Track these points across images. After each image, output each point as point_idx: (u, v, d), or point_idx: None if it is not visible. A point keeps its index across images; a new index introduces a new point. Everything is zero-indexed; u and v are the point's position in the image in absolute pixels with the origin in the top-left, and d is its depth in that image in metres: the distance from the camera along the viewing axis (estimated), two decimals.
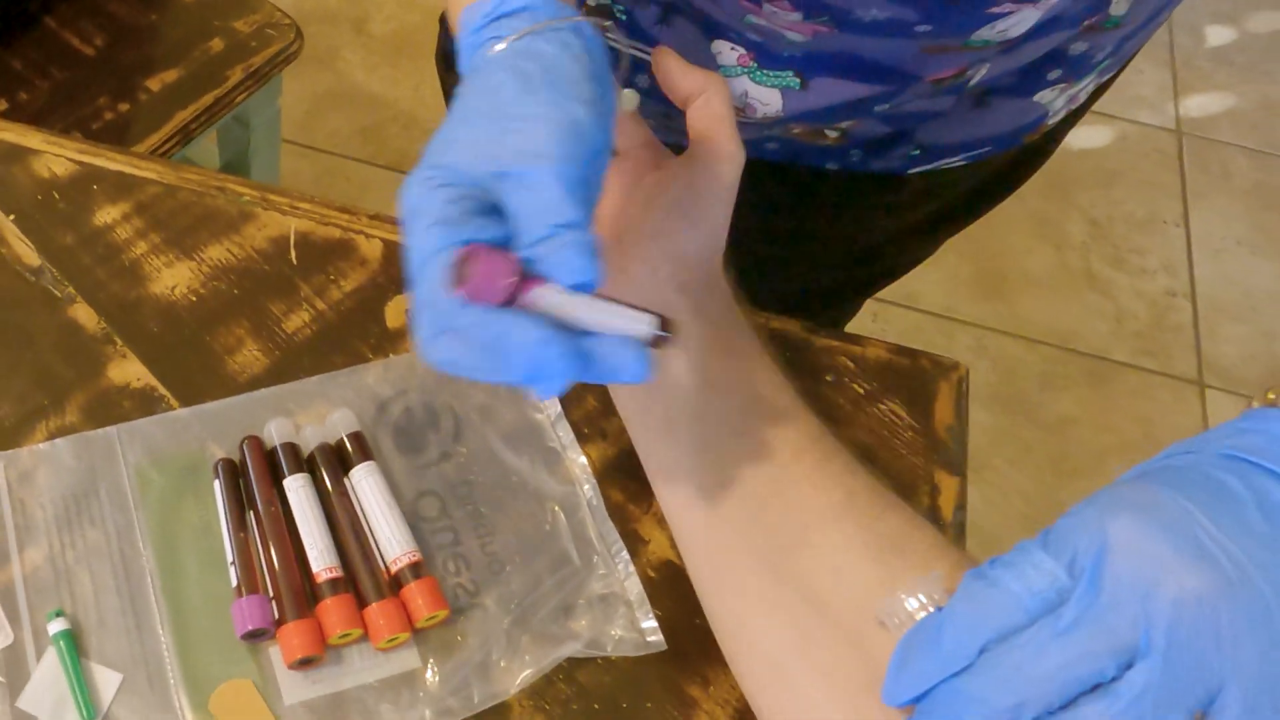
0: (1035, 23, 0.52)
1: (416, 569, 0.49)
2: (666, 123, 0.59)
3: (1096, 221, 1.85)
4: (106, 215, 0.59)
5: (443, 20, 0.77)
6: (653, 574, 0.51)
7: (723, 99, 0.49)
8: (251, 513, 0.49)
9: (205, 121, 1.04)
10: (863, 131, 0.63)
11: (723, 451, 0.44)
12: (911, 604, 0.37)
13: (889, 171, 0.68)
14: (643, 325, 0.37)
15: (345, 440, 0.52)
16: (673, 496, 0.46)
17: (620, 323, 0.37)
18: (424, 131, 1.76)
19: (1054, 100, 0.63)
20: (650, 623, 0.49)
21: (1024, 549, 0.34)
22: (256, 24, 1.09)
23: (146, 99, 1.04)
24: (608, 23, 0.44)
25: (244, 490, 0.50)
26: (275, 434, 0.51)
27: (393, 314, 0.58)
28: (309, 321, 0.57)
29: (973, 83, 0.59)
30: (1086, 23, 0.56)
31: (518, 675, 0.48)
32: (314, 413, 0.54)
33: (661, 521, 0.51)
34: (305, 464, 0.51)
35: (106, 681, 0.46)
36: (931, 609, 0.37)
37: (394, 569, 0.49)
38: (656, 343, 0.37)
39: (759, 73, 0.58)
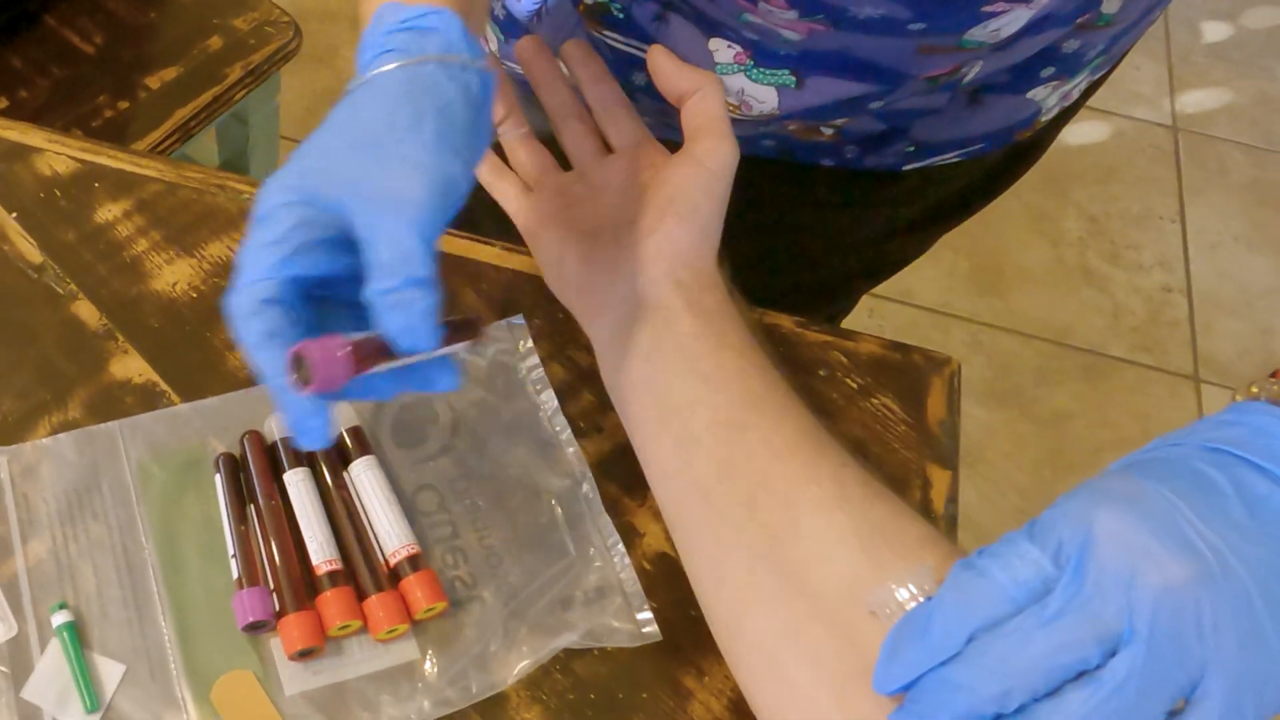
0: (1027, 21, 0.52)
1: (415, 561, 0.49)
2: (664, 119, 0.59)
3: (1093, 217, 1.86)
4: (108, 213, 0.60)
5: None
6: (648, 566, 0.52)
7: (717, 97, 0.50)
8: (252, 506, 0.50)
9: (204, 119, 1.04)
10: (858, 128, 0.64)
11: (717, 446, 0.44)
12: (902, 594, 0.38)
13: (884, 168, 0.68)
14: (459, 348, 0.41)
15: (344, 434, 0.52)
16: (667, 490, 0.46)
17: (440, 351, 0.40)
18: None
19: (1047, 97, 0.64)
20: (646, 614, 0.50)
21: (1011, 540, 0.34)
22: (255, 22, 1.09)
23: (146, 96, 1.04)
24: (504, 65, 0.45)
25: (245, 484, 0.51)
26: (275, 429, 0.52)
27: None
28: None
29: (966, 80, 0.59)
30: (1078, 21, 0.56)
31: (515, 666, 0.48)
32: None
33: (657, 514, 0.52)
34: (305, 458, 0.52)
35: (109, 672, 0.46)
36: (921, 599, 0.37)
37: (393, 562, 0.49)
38: (471, 345, 0.41)
39: (755, 71, 0.58)
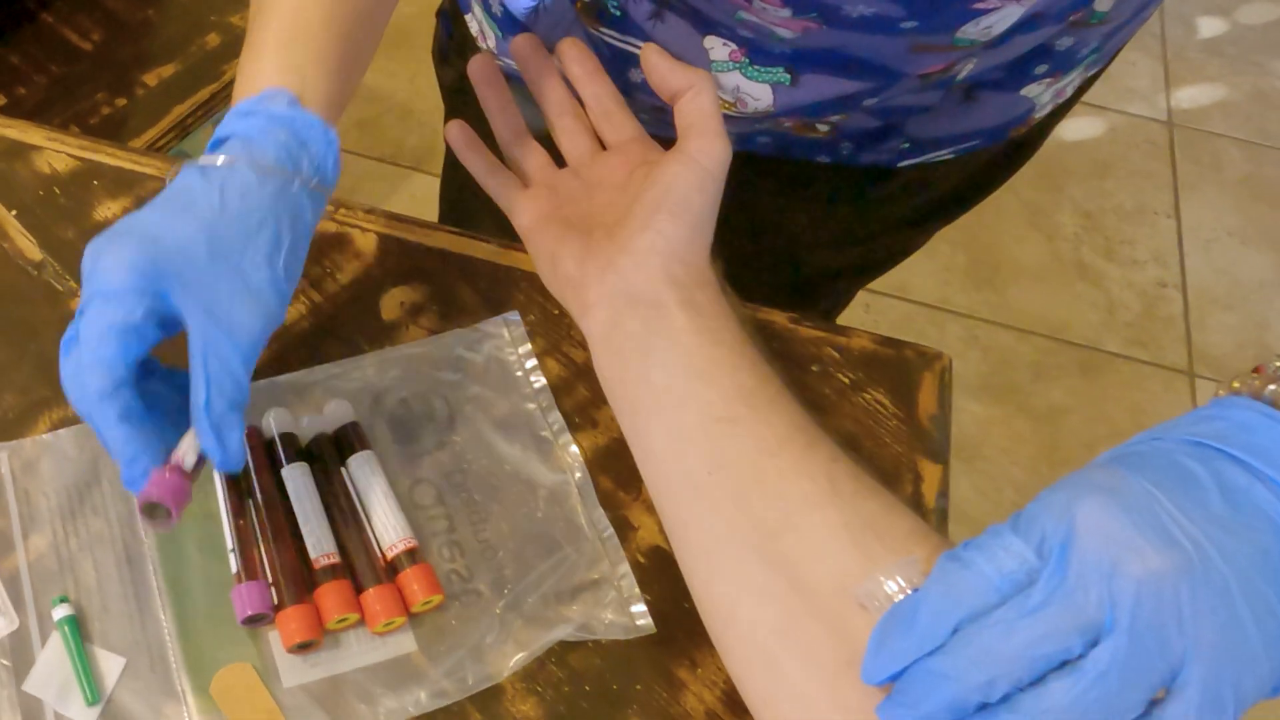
0: (1019, 19, 0.53)
1: (412, 555, 0.50)
2: (659, 116, 0.59)
3: (1088, 212, 1.86)
4: (107, 210, 0.60)
5: (439, 14, 0.78)
6: (642, 559, 0.52)
7: (709, 94, 0.50)
8: (251, 501, 0.50)
9: (202, 116, 1.05)
10: (853, 125, 0.64)
11: (709, 440, 0.44)
12: (890, 586, 0.38)
13: (879, 164, 0.69)
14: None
15: (342, 430, 0.53)
16: (661, 484, 0.47)
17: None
18: (420, 124, 1.77)
19: (1041, 94, 0.64)
20: (640, 607, 0.50)
21: (995, 532, 0.35)
22: None
23: (143, 94, 1.04)
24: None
25: (243, 479, 0.51)
26: (274, 424, 0.52)
27: (388, 306, 0.59)
28: (306, 314, 0.58)
29: (960, 77, 0.60)
30: (1071, 18, 0.56)
31: (510, 658, 0.49)
32: (311, 403, 0.55)
33: (651, 508, 0.53)
34: (303, 453, 0.52)
35: (110, 665, 0.47)
36: (909, 591, 0.38)
37: (390, 555, 0.50)
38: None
39: (750, 68, 0.58)
